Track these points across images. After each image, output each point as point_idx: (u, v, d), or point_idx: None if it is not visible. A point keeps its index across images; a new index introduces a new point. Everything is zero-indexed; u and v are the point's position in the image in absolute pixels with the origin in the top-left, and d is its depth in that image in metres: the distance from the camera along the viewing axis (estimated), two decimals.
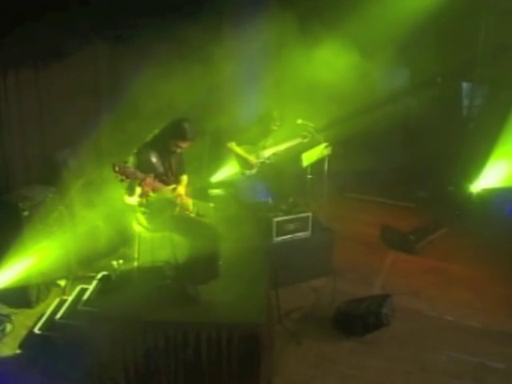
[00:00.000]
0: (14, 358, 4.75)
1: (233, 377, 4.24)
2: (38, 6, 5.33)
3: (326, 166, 6.92)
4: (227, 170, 7.05)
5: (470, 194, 7.87)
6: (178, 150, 4.57)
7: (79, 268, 5.90)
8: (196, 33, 6.57)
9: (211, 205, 5.04)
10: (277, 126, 6.64)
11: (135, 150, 4.50)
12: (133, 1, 6.28)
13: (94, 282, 5.13)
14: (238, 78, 7.68)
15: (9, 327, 5.08)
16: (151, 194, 4.34)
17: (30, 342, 4.90)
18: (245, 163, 6.65)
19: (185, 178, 4.88)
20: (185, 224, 4.54)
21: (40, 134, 6.34)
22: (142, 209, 4.57)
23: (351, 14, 7.39)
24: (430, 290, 6.12)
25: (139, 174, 4.25)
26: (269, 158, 6.76)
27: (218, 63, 7.60)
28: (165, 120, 4.64)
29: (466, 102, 8.85)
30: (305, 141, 6.83)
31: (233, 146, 6.59)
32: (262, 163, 6.70)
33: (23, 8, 5.25)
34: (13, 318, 5.21)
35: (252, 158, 6.62)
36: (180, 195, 4.57)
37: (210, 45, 7.13)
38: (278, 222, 5.87)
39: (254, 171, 6.66)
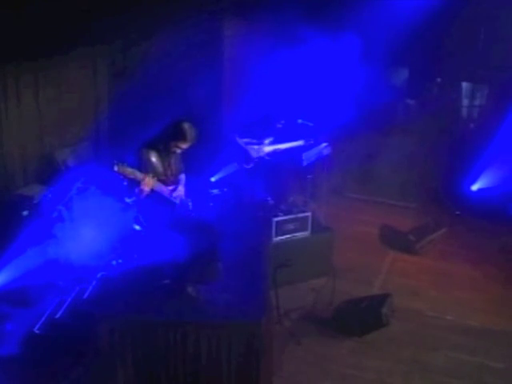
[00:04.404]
0: (13, 358, 4.75)
1: (232, 376, 4.24)
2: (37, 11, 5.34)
3: (325, 166, 6.91)
4: (227, 170, 7.04)
5: (470, 194, 7.86)
6: (178, 151, 4.58)
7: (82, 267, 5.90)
8: (195, 34, 6.59)
9: (211, 204, 5.04)
10: (280, 125, 6.64)
11: (135, 150, 4.50)
12: (133, 10, 6.27)
13: (94, 282, 5.13)
14: (239, 78, 7.68)
15: (9, 327, 5.08)
16: (150, 193, 4.35)
17: (29, 341, 4.90)
18: (244, 156, 6.63)
19: (183, 177, 4.88)
20: (184, 223, 4.54)
21: (39, 134, 6.35)
22: (141, 208, 4.57)
23: (352, 15, 7.40)
24: (429, 290, 6.12)
25: (138, 174, 4.26)
26: (268, 155, 6.74)
27: (220, 63, 7.62)
28: (165, 120, 4.64)
29: (465, 102, 8.85)
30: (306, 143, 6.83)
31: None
32: (261, 159, 6.67)
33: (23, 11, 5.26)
34: (13, 317, 5.21)
35: (252, 152, 6.60)
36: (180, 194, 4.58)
37: (210, 46, 7.15)
38: (277, 222, 5.87)
39: (250, 165, 6.63)
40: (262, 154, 6.70)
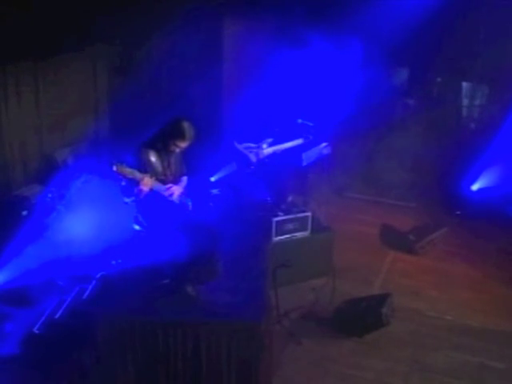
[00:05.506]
0: (13, 358, 4.75)
1: (232, 376, 4.24)
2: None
3: (325, 166, 6.91)
4: (227, 170, 7.04)
5: (470, 194, 7.86)
6: (177, 150, 4.56)
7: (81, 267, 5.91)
8: (195, 34, 6.59)
9: (211, 204, 5.03)
10: (277, 128, 6.65)
11: (134, 150, 4.49)
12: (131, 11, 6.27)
13: (94, 282, 5.13)
14: (239, 77, 7.69)
15: (9, 327, 5.08)
16: (149, 193, 4.35)
17: (29, 341, 4.90)
18: (243, 161, 6.64)
19: (185, 179, 4.87)
20: (184, 223, 4.54)
21: (39, 133, 6.35)
22: (141, 208, 4.57)
23: (352, 14, 7.40)
24: (429, 290, 6.12)
25: (137, 174, 4.25)
26: (268, 158, 6.75)
27: (220, 62, 7.62)
28: (165, 119, 4.63)
29: (465, 102, 8.85)
30: (305, 141, 6.82)
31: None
32: (261, 162, 6.69)
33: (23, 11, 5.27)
34: (13, 317, 5.21)
35: (252, 156, 6.61)
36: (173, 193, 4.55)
37: (210, 45, 7.15)
38: (277, 222, 5.87)
39: (251, 168, 6.65)
40: (261, 156, 6.71)
